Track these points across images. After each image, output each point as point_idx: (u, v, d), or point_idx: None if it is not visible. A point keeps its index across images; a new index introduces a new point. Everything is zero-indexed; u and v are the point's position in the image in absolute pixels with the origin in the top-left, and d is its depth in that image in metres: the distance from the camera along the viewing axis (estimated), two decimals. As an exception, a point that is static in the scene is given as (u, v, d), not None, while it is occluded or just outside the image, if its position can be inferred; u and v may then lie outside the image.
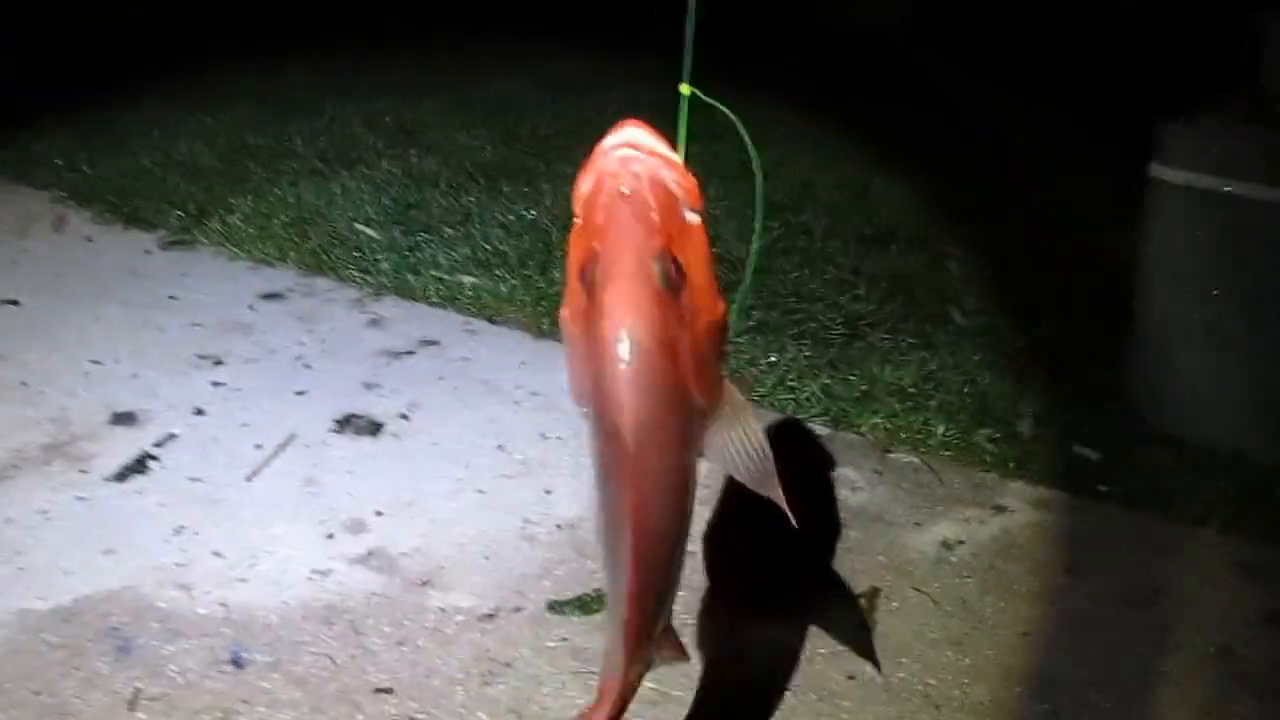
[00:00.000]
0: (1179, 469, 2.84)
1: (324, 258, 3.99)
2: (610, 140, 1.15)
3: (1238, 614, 2.38)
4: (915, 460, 2.90)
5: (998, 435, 2.97)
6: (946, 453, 2.92)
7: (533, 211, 4.40)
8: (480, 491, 2.79)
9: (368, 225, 4.25)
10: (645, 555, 1.25)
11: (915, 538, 2.62)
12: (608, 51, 6.30)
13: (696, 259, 1.17)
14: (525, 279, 3.83)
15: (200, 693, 2.14)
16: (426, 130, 5.28)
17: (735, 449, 1.29)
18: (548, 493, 2.77)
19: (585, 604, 2.39)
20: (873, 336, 3.53)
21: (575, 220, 1.19)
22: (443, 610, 2.40)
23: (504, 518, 2.69)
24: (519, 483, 2.82)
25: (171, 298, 3.69)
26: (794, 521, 1.32)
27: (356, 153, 4.94)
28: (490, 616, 2.37)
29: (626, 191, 1.12)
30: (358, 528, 2.65)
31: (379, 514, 2.70)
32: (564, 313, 1.24)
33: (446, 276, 3.87)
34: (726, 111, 1.28)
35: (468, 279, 3.86)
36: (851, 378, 3.24)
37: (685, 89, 1.26)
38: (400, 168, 4.78)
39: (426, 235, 4.19)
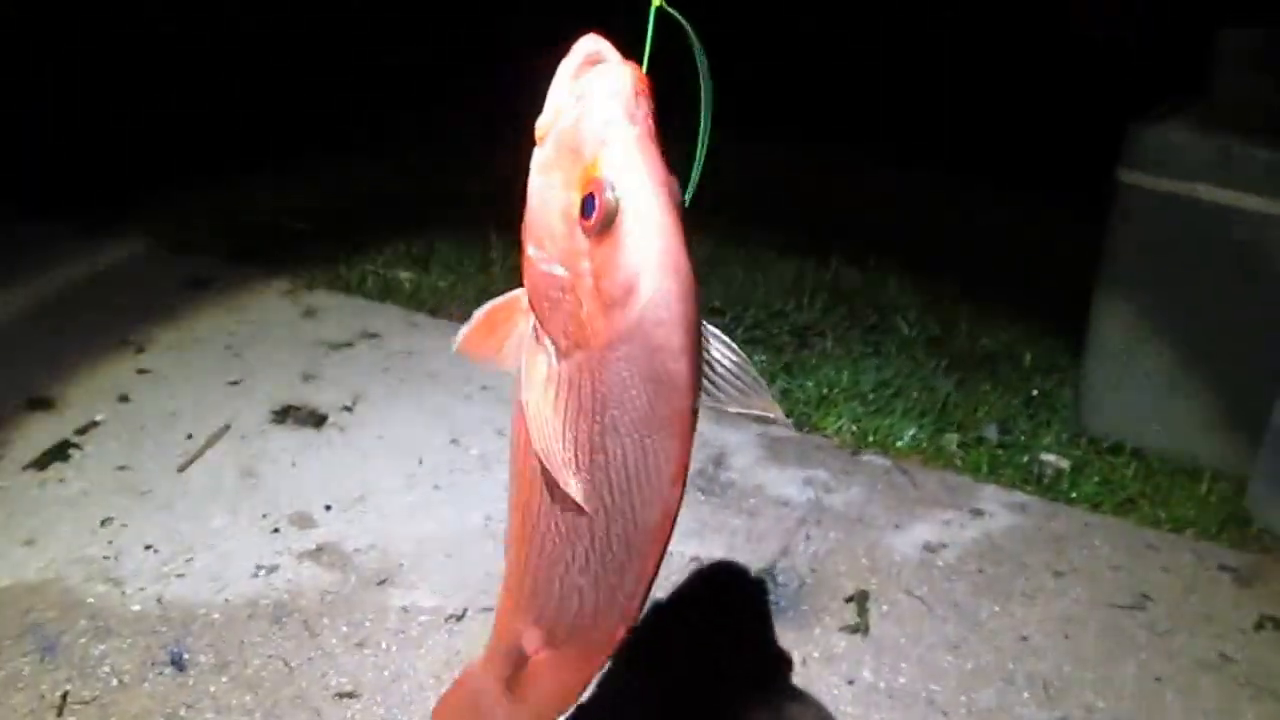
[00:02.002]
0: (1144, 477, 2.73)
1: (252, 249, 3.67)
2: (582, 57, 1.00)
3: (1230, 619, 2.25)
4: (886, 462, 2.72)
5: (966, 440, 2.82)
6: (916, 456, 2.76)
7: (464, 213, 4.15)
8: (436, 487, 2.52)
9: (297, 219, 3.94)
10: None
11: (897, 540, 2.43)
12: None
13: None
14: (464, 275, 3.57)
15: (137, 695, 1.84)
16: (355, 131, 4.98)
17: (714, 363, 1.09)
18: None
19: (561, 604, 2.15)
20: (823, 344, 3.37)
21: (549, 148, 1.00)
22: (405, 610, 2.12)
23: (464, 514, 2.43)
24: (477, 478, 2.56)
25: (89, 282, 3.33)
26: (783, 418, 1.12)
27: (284, 146, 4.60)
28: (457, 617, 2.11)
29: (637, 114, 0.98)
30: (305, 522, 2.36)
31: (328, 508, 2.41)
32: (537, 254, 1.02)
33: (382, 270, 3.59)
34: (683, 21, 1.10)
35: (405, 274, 3.58)
36: (809, 382, 3.06)
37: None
38: (329, 166, 4.47)
39: (358, 231, 3.90)
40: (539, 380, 1.04)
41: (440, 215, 4.08)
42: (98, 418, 2.64)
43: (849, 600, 2.24)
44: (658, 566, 1.08)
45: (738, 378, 1.08)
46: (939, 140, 4.92)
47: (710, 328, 1.06)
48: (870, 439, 2.82)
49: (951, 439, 2.82)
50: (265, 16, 5.55)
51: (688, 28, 1.10)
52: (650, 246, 0.95)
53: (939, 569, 2.35)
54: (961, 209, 4.39)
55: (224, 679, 1.89)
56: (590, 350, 1.00)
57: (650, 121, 0.98)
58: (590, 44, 1.00)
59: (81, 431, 2.58)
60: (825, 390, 3.03)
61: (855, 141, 4.93)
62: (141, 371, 2.88)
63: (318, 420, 2.74)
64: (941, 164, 4.78)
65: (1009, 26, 5.14)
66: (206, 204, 3.93)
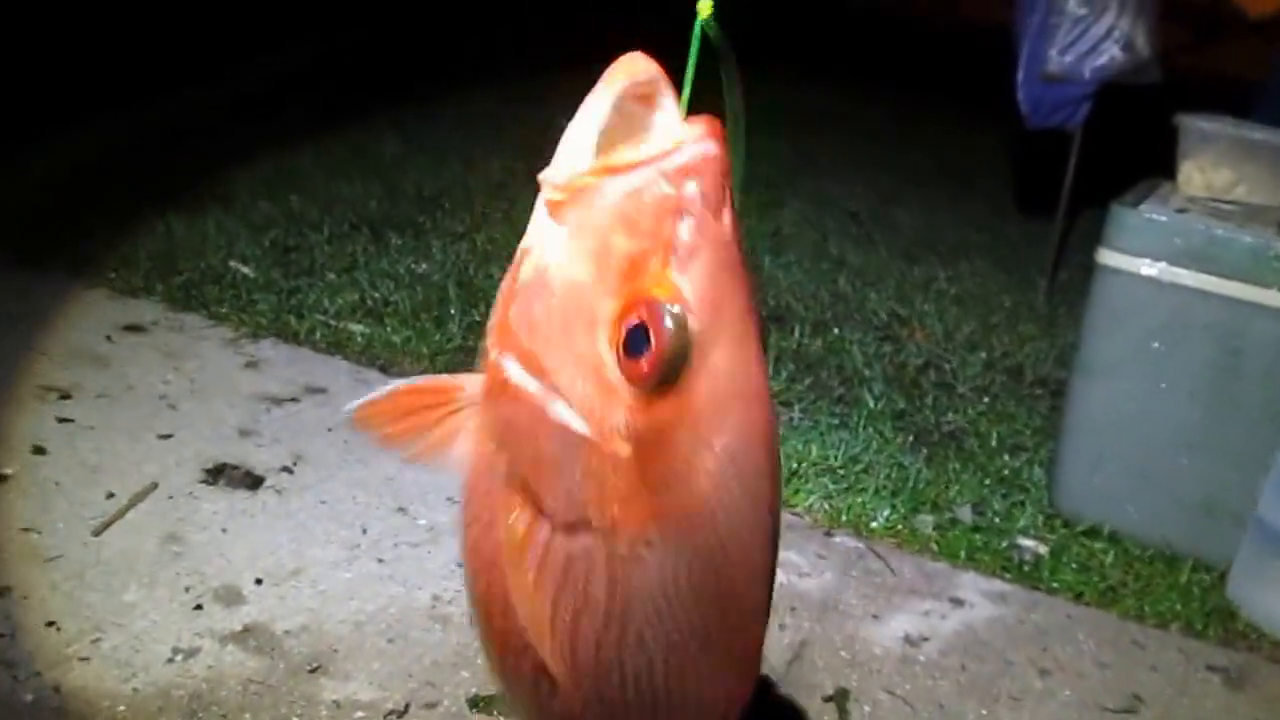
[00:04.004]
0: (1124, 565, 2.50)
1: (194, 293, 3.33)
2: (627, 90, 0.64)
3: (1228, 727, 2.02)
4: (860, 545, 2.46)
5: (941, 522, 2.58)
6: (891, 539, 2.51)
7: (423, 265, 3.85)
8: (379, 560, 2.21)
9: (243, 263, 3.62)
10: None
11: (875, 631, 2.17)
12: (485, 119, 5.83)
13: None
14: (420, 330, 3.27)
15: (19, 813, 1.50)
16: (306, 176, 4.65)
17: None
18: (460, 566, 2.21)
19: (515, 701, 1.84)
20: (790, 414, 3.11)
21: (573, 223, 0.66)
22: (338, 704, 1.81)
23: (410, 593, 2.12)
24: (425, 552, 2.26)
25: (11, 320, 2.97)
26: None
27: (231, 190, 4.27)
28: (399, 714, 1.80)
29: (722, 206, 0.64)
30: (232, 598, 2.03)
31: (258, 582, 2.09)
32: (528, 382, 0.69)
33: (333, 321, 3.28)
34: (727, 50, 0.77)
35: (356, 327, 3.27)
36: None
37: (705, 9, 0.71)
38: (279, 210, 4.15)
39: (309, 279, 3.58)
40: (516, 543, 0.72)
41: (398, 267, 3.78)
42: (6, 471, 2.29)
43: (828, 699, 1.96)
44: None
45: None
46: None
47: None
48: (843, 518, 2.55)
49: (927, 521, 2.57)
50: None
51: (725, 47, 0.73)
52: (733, 420, 0.64)
53: (921, 665, 2.09)
54: (919, 283, 4.20)
55: (124, 789, 1.57)
56: (613, 537, 0.68)
57: (733, 216, 0.64)
58: (640, 69, 0.64)
59: (-14, 488, 2.24)
60: (795, 464, 2.77)
61: (817, 221, 4.75)
62: (63, 420, 2.54)
63: (253, 482, 2.41)
64: (899, 246, 4.63)
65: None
66: (148, 244, 3.58)
